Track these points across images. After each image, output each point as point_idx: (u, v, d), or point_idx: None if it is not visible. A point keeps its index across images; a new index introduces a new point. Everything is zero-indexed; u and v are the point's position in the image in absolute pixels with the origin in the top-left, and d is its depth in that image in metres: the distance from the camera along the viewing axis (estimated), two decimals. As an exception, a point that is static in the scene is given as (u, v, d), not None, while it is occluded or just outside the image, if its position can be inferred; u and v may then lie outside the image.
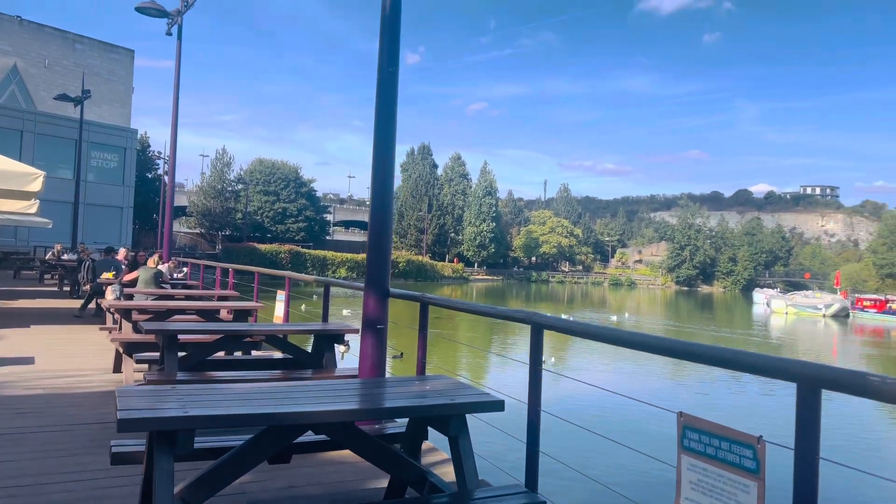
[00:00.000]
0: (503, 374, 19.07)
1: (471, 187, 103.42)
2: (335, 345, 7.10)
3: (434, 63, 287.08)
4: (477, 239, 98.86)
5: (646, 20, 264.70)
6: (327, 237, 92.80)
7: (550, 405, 4.33)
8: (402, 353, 21.70)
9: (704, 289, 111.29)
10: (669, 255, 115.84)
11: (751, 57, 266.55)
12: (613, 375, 19.86)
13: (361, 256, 75.69)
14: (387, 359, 6.14)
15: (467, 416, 3.94)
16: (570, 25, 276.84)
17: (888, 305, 52.50)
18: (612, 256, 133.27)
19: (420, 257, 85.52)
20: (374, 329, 5.99)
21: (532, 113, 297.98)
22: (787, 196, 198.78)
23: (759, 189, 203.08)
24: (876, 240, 71.78)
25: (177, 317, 9.54)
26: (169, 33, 19.59)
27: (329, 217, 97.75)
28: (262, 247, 68.80)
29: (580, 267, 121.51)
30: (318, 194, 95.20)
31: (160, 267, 14.36)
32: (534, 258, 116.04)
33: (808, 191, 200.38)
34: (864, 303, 55.00)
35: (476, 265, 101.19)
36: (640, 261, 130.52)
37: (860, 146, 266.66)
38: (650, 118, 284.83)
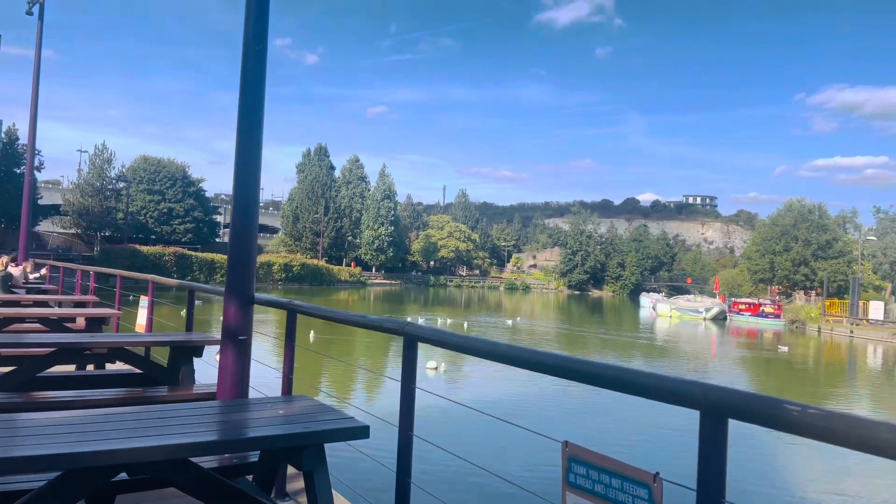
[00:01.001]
0: (389, 390, 18.15)
1: (369, 190, 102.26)
2: (216, 355, 6.32)
3: (333, 64, 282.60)
4: (375, 243, 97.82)
5: (542, 32, 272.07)
6: (217, 239, 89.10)
7: (427, 427, 3.81)
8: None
9: (595, 293, 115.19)
10: (562, 260, 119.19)
11: (639, 72, 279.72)
12: (504, 386, 19.43)
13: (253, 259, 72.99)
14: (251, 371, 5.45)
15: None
16: (468, 33, 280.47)
17: (761, 309, 56.05)
18: (508, 261, 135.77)
19: (316, 261, 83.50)
20: (236, 341, 5.30)
21: (431, 118, 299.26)
22: (671, 205, 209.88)
23: (645, 198, 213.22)
24: (750, 247, 76.66)
25: (16, 325, 8.36)
26: (29, 13, 17.78)
27: (219, 218, 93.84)
28: (145, 249, 64.85)
29: (477, 271, 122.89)
30: (209, 194, 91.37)
31: (11, 269, 12.84)
32: (432, 262, 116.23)
33: (690, 200, 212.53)
34: (740, 306, 58.48)
35: (374, 269, 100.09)
36: (534, 265, 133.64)
37: (736, 160, 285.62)
38: (545, 127, 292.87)
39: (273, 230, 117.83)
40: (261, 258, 75.80)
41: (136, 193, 77.12)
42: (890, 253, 67.38)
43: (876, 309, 48.18)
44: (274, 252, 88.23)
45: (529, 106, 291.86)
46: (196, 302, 8.19)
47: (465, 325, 37.53)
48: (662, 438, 14.37)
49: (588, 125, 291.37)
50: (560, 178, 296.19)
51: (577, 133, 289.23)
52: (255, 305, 5.65)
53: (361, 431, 3.40)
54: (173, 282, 8.76)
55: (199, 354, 6.29)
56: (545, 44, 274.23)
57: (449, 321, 39.00)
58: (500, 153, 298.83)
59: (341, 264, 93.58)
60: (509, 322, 42.75)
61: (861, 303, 49.14)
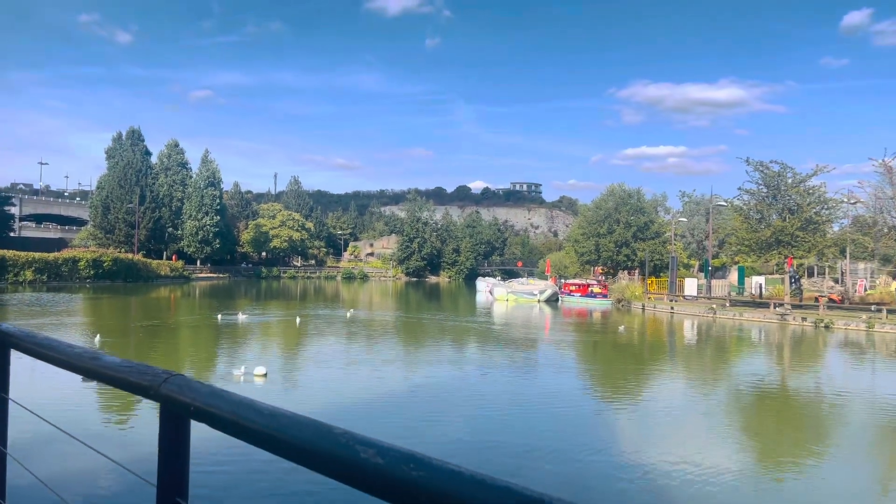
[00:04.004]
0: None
1: (191, 177, 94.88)
2: None
3: (149, 44, 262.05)
4: (199, 234, 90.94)
5: (374, 19, 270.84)
6: (11, 234, 78.41)
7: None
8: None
9: (432, 279, 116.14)
10: (399, 247, 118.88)
11: (468, 63, 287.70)
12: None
13: (55, 255, 64.68)
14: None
15: None
16: (298, 17, 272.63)
17: (590, 290, 58.61)
18: (345, 250, 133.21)
19: (130, 255, 75.80)
20: None
21: (261, 104, 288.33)
22: (500, 192, 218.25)
23: (476, 185, 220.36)
24: (576, 230, 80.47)
25: None
26: None
27: (13, 210, 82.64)
28: (-88, 247, 55.03)
29: (313, 261, 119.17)
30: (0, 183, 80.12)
31: None
32: (264, 253, 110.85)
33: (517, 187, 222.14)
34: (571, 288, 60.77)
35: (199, 262, 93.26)
36: (371, 254, 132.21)
37: (557, 149, 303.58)
38: (379, 115, 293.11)
39: (80, 222, 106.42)
40: (64, 253, 67.39)
41: None
42: (697, 233, 73.62)
43: (690, 286, 52.06)
44: (81, 247, 79.08)
45: (362, 93, 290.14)
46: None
47: (297, 320, 34.93)
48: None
49: (420, 114, 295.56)
50: (395, 167, 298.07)
51: (410, 121, 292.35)
52: None
53: None
54: None
55: None
56: (376, 31, 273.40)
57: (243, 317, 35.19)
58: (333, 141, 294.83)
59: (161, 258, 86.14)
60: (346, 314, 40.76)
61: (677, 280, 52.89)
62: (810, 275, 65.47)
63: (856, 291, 47.66)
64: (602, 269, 71.81)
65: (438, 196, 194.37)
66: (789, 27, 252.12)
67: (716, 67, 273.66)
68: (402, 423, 14.16)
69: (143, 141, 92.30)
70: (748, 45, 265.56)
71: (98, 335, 24.59)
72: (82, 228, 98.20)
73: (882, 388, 21.41)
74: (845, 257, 50.15)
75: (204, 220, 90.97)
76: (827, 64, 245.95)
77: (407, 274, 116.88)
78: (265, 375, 17.77)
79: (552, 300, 59.06)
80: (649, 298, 52.16)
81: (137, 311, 42.45)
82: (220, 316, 34.90)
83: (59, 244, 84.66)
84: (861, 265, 61.86)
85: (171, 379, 1.97)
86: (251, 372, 17.85)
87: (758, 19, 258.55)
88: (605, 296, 56.73)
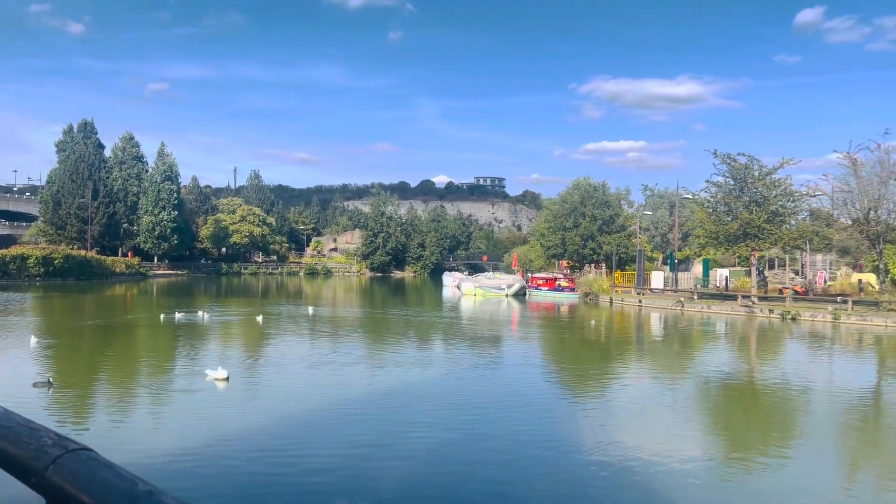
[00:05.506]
0: None
1: (147, 171, 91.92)
2: None
3: (102, 35, 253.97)
4: (156, 229, 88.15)
5: (335, 12, 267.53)
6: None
7: None
8: (49, 380, 16.10)
9: (397, 274, 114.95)
10: (364, 242, 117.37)
11: (431, 57, 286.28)
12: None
13: (2, 253, 61.84)
14: None
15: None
16: (258, 8, 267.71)
17: (557, 283, 58.35)
18: (308, 245, 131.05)
19: (83, 252, 72.95)
20: None
21: (220, 97, 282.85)
22: (464, 186, 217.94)
23: (440, 180, 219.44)
24: (541, 224, 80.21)
25: None
26: None
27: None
28: None
29: (274, 257, 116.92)
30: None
31: None
32: (224, 249, 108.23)
33: (481, 182, 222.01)
34: (538, 282, 60.43)
35: (157, 259, 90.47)
36: (335, 249, 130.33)
37: (520, 143, 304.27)
38: (341, 109, 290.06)
39: (30, 218, 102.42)
40: (12, 251, 64.51)
41: None
42: (660, 226, 73.87)
43: (657, 279, 52.00)
44: (31, 243, 75.93)
45: (325, 87, 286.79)
46: None
47: (260, 318, 33.55)
48: None
49: (384, 108, 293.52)
50: (358, 161, 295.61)
51: (373, 116, 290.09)
52: None
53: None
54: None
55: None
56: (338, 24, 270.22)
57: (179, 315, 33.19)
58: (295, 135, 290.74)
59: (117, 255, 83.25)
60: (309, 310, 39.47)
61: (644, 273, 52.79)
62: (770, 267, 66.31)
63: (816, 283, 48.20)
64: (568, 263, 71.62)
65: (402, 190, 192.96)
66: (744, 24, 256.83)
67: (674, 63, 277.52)
68: (375, 427, 13.28)
69: (95, 134, 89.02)
70: (705, 41, 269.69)
71: (33, 336, 22.74)
72: (32, 224, 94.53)
73: (848, 379, 21.23)
74: (807, 249, 50.66)
75: (161, 216, 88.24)
76: (781, 61, 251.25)
77: (371, 269, 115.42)
78: (227, 379, 16.65)
79: (520, 294, 58.61)
80: (617, 292, 51.98)
81: (88, 310, 40.59)
82: (162, 316, 32.95)
83: (8, 241, 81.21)
84: (819, 257, 62.82)
85: (63, 459, 1.18)
86: (216, 375, 16.73)
87: (714, 16, 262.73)
88: (572, 290, 56.45)
